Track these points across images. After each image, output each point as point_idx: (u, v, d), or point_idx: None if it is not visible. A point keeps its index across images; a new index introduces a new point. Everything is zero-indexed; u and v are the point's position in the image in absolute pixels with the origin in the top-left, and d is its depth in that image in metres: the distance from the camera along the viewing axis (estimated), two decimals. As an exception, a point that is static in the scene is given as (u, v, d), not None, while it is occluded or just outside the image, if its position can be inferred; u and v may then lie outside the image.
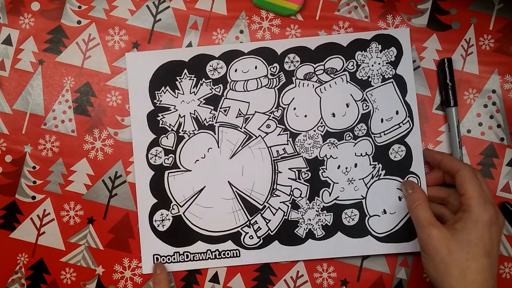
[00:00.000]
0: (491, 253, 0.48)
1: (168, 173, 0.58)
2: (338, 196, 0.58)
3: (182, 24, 0.60)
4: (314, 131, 0.58)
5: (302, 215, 0.58)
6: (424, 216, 0.51)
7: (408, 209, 0.55)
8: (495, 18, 0.60)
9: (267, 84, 0.59)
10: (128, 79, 0.59)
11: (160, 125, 0.58)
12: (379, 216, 0.58)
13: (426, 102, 0.59)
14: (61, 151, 0.59)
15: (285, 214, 0.58)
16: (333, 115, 0.58)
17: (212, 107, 0.58)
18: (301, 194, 0.58)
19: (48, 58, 0.60)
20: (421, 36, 0.59)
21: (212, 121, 0.58)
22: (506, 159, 0.59)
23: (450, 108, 0.58)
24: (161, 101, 0.58)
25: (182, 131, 0.58)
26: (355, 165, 0.58)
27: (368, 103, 0.58)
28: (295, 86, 0.58)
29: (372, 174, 0.58)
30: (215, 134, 0.58)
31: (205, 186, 0.58)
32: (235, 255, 0.58)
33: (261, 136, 0.58)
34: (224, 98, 0.58)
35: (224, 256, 0.58)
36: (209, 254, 0.58)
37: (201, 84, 0.59)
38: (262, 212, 0.58)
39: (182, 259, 0.58)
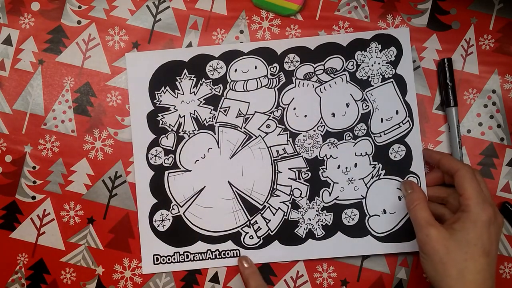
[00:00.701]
0: (490, 253, 0.48)
1: (168, 173, 0.58)
2: (338, 196, 0.58)
3: (182, 24, 0.60)
4: (314, 131, 0.58)
5: (302, 215, 0.58)
6: (423, 216, 0.51)
7: (407, 209, 0.55)
8: (495, 18, 0.60)
9: (267, 84, 0.59)
10: (128, 79, 0.59)
11: (160, 125, 0.58)
12: (379, 216, 0.58)
13: (426, 102, 0.59)
14: (61, 151, 0.59)
15: (285, 214, 0.58)
16: (333, 115, 0.58)
17: (212, 107, 0.58)
18: (301, 194, 0.58)
19: (48, 58, 0.60)
20: (421, 36, 0.59)
21: (212, 121, 0.58)
22: (506, 159, 0.59)
23: (450, 108, 0.58)
24: (161, 101, 0.58)
25: (182, 131, 0.58)
26: (355, 165, 0.58)
27: (368, 103, 0.58)
28: (295, 86, 0.58)
29: (372, 174, 0.58)
30: (215, 134, 0.58)
31: (205, 186, 0.58)
32: (235, 255, 0.58)
33: (261, 136, 0.58)
34: (224, 98, 0.58)
35: (224, 256, 0.58)
36: (209, 254, 0.58)
37: (201, 84, 0.59)
38: (262, 212, 0.58)
39: (182, 259, 0.58)
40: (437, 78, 0.59)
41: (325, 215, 0.58)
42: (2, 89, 0.59)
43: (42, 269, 0.58)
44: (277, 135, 0.58)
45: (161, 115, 0.58)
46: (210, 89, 0.59)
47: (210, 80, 0.59)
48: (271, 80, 0.59)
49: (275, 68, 0.59)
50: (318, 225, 0.58)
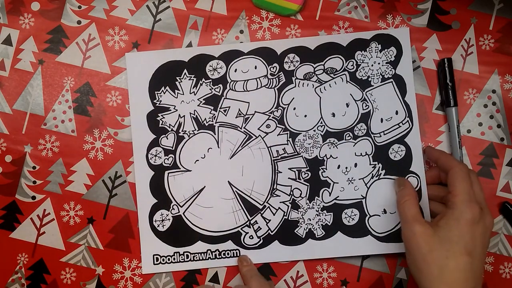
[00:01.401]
0: (472, 252, 0.47)
1: (168, 173, 0.58)
2: (338, 196, 0.58)
3: (182, 24, 0.60)
4: (314, 131, 0.58)
5: (302, 215, 0.58)
6: (411, 212, 0.50)
7: (396, 205, 0.54)
8: (495, 18, 0.60)
9: (267, 84, 0.59)
10: (128, 79, 0.59)
11: (160, 125, 0.58)
12: (379, 216, 0.58)
13: (426, 102, 0.59)
14: (61, 151, 0.59)
15: (285, 214, 0.58)
16: (333, 115, 0.58)
17: (212, 107, 0.58)
18: (301, 194, 0.58)
19: (48, 58, 0.60)
20: (421, 36, 0.59)
21: (212, 121, 0.58)
22: (506, 159, 0.59)
23: (450, 108, 0.58)
24: (161, 101, 0.58)
25: (182, 131, 0.58)
26: (355, 165, 0.58)
27: (368, 103, 0.58)
28: (295, 86, 0.58)
29: (372, 174, 0.58)
30: (215, 134, 0.58)
31: (205, 186, 0.58)
32: (235, 255, 0.58)
33: (261, 136, 0.58)
34: (224, 98, 0.58)
35: (224, 256, 0.58)
36: (209, 254, 0.58)
37: (201, 84, 0.59)
38: (262, 212, 0.58)
39: (182, 259, 0.58)
40: (437, 78, 0.59)
41: (325, 215, 0.58)
42: (2, 89, 0.59)
43: (42, 269, 0.58)
44: (277, 135, 0.58)
45: (161, 115, 0.58)
46: (210, 89, 0.59)
47: (210, 80, 0.59)
48: (271, 80, 0.59)
49: (275, 68, 0.59)
50: (318, 225, 0.58)
